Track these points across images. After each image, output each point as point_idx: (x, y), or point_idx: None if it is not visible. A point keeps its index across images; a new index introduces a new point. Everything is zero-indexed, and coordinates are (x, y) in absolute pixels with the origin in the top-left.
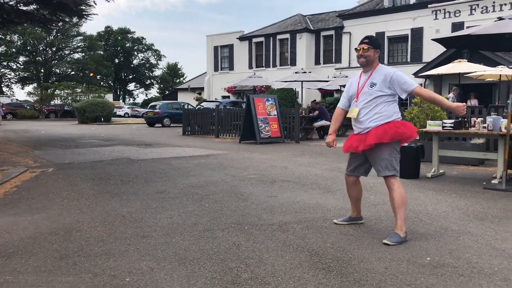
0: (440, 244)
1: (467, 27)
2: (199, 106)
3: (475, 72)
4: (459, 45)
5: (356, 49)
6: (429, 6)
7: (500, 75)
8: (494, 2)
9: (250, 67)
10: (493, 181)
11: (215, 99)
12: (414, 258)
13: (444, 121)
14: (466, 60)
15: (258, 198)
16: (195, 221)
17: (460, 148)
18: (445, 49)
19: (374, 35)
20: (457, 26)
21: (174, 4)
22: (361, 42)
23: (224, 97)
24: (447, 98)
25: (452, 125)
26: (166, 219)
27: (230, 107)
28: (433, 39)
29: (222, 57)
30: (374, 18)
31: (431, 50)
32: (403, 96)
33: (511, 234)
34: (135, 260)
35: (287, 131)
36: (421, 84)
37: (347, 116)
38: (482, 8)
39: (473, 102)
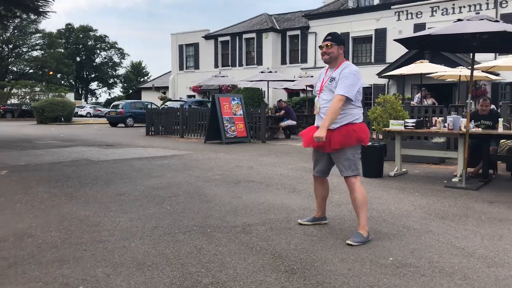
0: (403, 243)
1: (429, 28)
2: (163, 106)
3: (436, 72)
4: (420, 46)
5: (320, 46)
6: (392, 7)
7: (460, 75)
8: (454, 5)
9: (216, 66)
10: (453, 180)
11: (180, 98)
12: (377, 258)
13: (406, 120)
14: (428, 61)
15: (222, 199)
16: (156, 224)
17: (422, 147)
18: (407, 50)
19: None
20: (419, 27)
21: (136, 2)
22: (325, 39)
23: (189, 96)
24: (412, 99)
25: (414, 124)
26: (126, 223)
27: (195, 107)
28: (395, 40)
29: (188, 56)
30: (339, 19)
31: (395, 51)
32: None
33: (470, 232)
34: (90, 267)
35: (253, 131)
36: (384, 85)
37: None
38: (442, 10)
39: (429, 101)
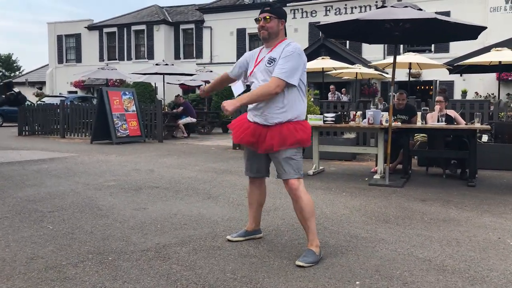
0: (361, 259)
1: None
2: (39, 102)
3: (335, 69)
4: (340, 35)
5: (256, 19)
6: (288, 4)
7: (357, 73)
8: (346, 5)
9: (102, 59)
10: (375, 177)
11: (60, 94)
12: (342, 284)
13: (325, 115)
14: (329, 58)
15: (122, 212)
16: (33, 253)
17: (334, 142)
18: (305, 48)
19: (235, 31)
20: (314, 25)
21: None
22: (262, 11)
23: (70, 92)
24: (319, 95)
25: (334, 119)
26: None
27: (78, 103)
28: (316, 26)
29: (68, 48)
30: (235, 14)
31: None
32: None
33: (424, 238)
34: None
35: (148, 129)
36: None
37: (234, 93)
38: (335, 9)
39: (336, 96)
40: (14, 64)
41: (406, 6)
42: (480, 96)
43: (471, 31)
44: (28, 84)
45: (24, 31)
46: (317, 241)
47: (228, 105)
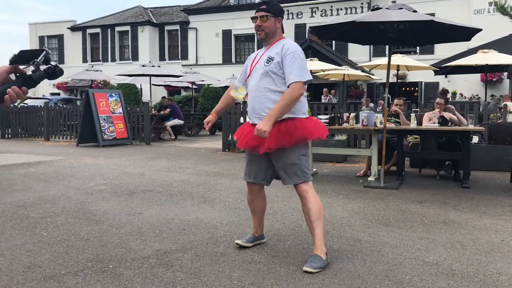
0: (368, 264)
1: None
2: (22, 104)
3: (323, 71)
4: (334, 36)
5: (252, 18)
6: None
7: (344, 74)
8: (331, 7)
9: (85, 60)
10: (369, 179)
11: (43, 96)
12: None
13: (319, 116)
14: (317, 59)
15: (117, 217)
16: (30, 262)
17: (326, 144)
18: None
19: (221, 32)
20: (300, 27)
21: None
22: (258, 9)
23: (53, 94)
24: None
25: (328, 120)
26: None
27: (62, 105)
28: (311, 27)
29: (50, 49)
30: (221, 15)
31: None
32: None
33: (428, 241)
34: None
35: (134, 132)
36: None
37: (230, 94)
38: (321, 11)
39: (328, 98)
40: None
41: (401, 8)
42: (465, 97)
43: (465, 33)
44: None
45: (4, 32)
46: (323, 245)
47: (263, 127)
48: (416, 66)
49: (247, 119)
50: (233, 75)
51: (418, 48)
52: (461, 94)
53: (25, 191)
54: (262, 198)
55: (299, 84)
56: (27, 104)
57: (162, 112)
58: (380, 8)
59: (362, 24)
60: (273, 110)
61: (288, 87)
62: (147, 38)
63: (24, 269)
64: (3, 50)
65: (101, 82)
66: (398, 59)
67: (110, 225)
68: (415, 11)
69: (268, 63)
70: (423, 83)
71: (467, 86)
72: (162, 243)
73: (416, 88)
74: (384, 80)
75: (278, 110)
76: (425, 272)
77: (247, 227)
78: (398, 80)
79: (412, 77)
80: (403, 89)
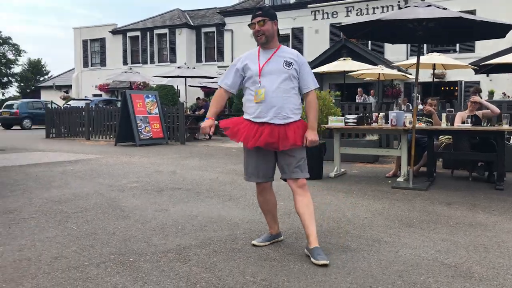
0: (383, 264)
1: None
2: (66, 105)
3: (358, 70)
4: (362, 35)
5: (249, 25)
6: (308, 6)
7: (379, 74)
8: (367, 5)
9: (125, 63)
10: (398, 179)
11: (85, 97)
12: None
13: (347, 116)
14: (351, 59)
15: (144, 213)
16: (57, 253)
17: (356, 145)
18: (326, 49)
19: None
20: (335, 27)
21: None
22: (254, 16)
23: (95, 95)
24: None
25: (355, 120)
26: (13, 253)
27: (102, 106)
28: (337, 27)
29: (93, 52)
30: None
31: (311, 50)
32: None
33: (449, 243)
34: None
35: (170, 132)
36: None
37: (255, 102)
38: (357, 10)
39: (362, 98)
40: (43, 69)
41: (429, 5)
42: (508, 96)
43: (499, 29)
44: (55, 88)
45: (51, 37)
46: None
47: (315, 137)
48: (453, 65)
49: (248, 117)
50: None
51: (457, 46)
52: (504, 93)
53: (62, 188)
54: (273, 194)
55: (316, 90)
56: (70, 105)
57: (197, 113)
58: (408, 6)
59: (388, 23)
60: (312, 121)
61: (306, 93)
62: (184, 40)
63: (52, 259)
64: (51, 52)
65: (141, 84)
66: (435, 57)
67: (136, 220)
68: (445, 9)
69: (289, 67)
70: (463, 82)
71: (511, 85)
72: (182, 239)
73: (456, 88)
74: (422, 80)
75: (315, 119)
76: (441, 274)
77: (267, 225)
78: (436, 80)
79: (451, 76)
80: (442, 88)
